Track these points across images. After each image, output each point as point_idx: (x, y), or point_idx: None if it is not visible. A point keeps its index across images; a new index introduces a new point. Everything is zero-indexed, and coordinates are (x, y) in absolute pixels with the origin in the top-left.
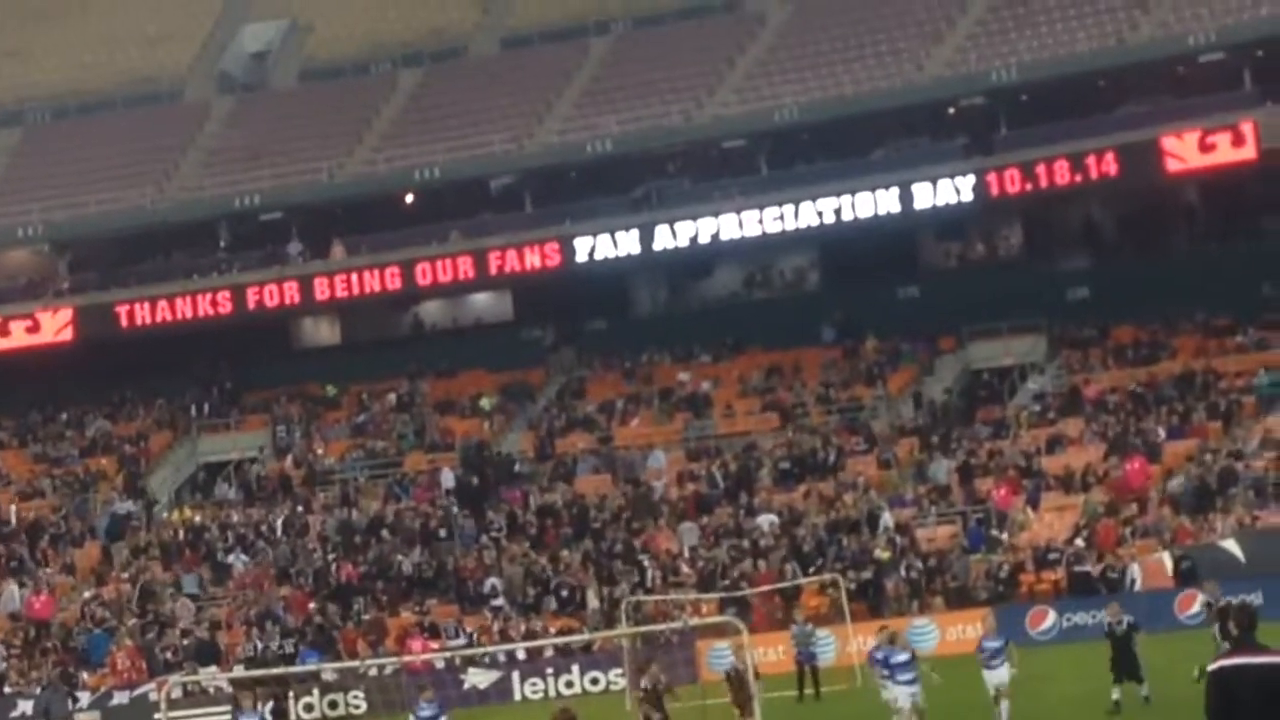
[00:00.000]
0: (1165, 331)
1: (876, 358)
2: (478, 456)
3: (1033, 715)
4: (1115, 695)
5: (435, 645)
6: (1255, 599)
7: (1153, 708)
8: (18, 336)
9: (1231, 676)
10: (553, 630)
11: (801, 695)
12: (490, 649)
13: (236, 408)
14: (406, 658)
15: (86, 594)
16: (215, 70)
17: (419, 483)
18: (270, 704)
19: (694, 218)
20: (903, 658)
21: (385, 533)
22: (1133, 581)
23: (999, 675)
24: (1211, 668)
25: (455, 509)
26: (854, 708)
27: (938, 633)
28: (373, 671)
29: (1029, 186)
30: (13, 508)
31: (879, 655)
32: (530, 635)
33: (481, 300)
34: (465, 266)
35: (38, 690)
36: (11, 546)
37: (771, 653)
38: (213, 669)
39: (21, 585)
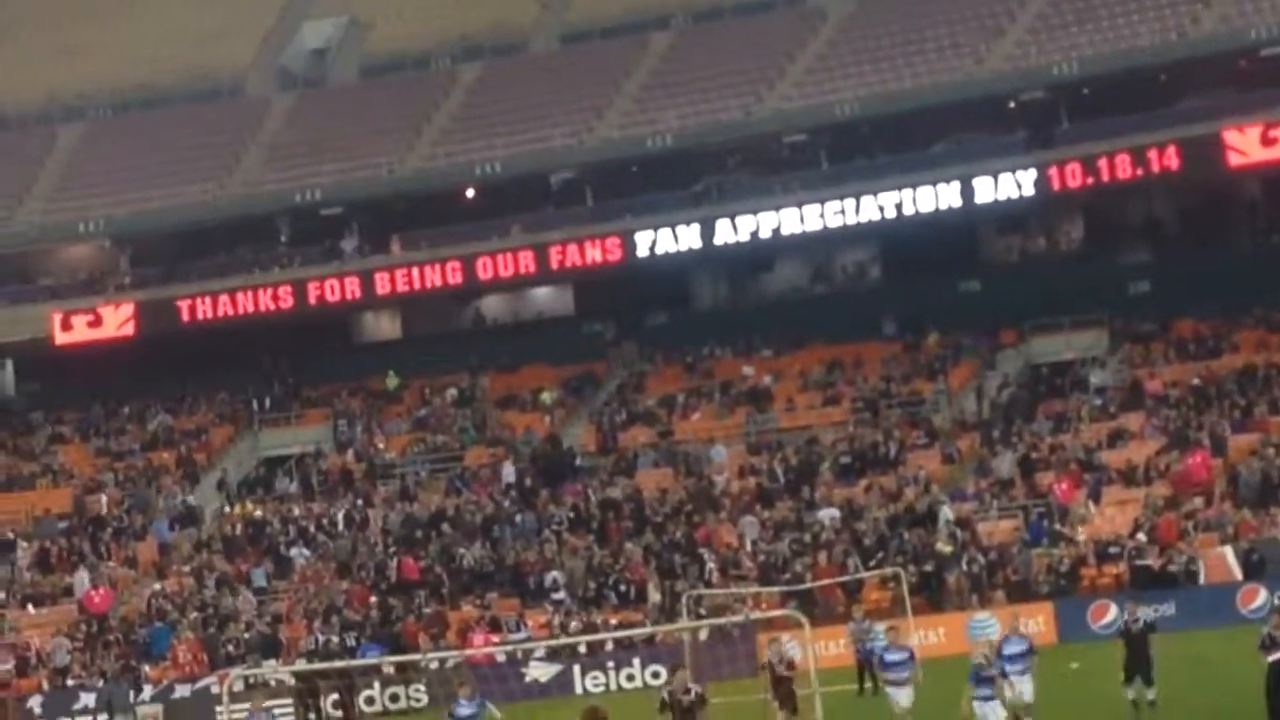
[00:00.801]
0: (1226, 326)
1: (937, 352)
2: (539, 451)
3: (1093, 712)
4: (1130, 695)
5: (496, 639)
6: None
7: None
8: (80, 331)
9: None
10: (613, 624)
11: (861, 689)
12: (551, 642)
13: (297, 402)
14: (468, 651)
15: (154, 587)
16: (275, 66)
17: (479, 477)
18: (333, 697)
19: (754, 212)
20: (898, 657)
21: (446, 527)
22: (1196, 575)
23: (1021, 688)
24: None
25: (516, 503)
26: (916, 702)
27: (998, 626)
28: (434, 665)
29: (1090, 180)
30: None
31: (870, 647)
32: (591, 629)
33: (542, 294)
34: (526, 261)
35: (100, 683)
36: (73, 540)
37: (833, 646)
38: (274, 662)
39: (92, 576)
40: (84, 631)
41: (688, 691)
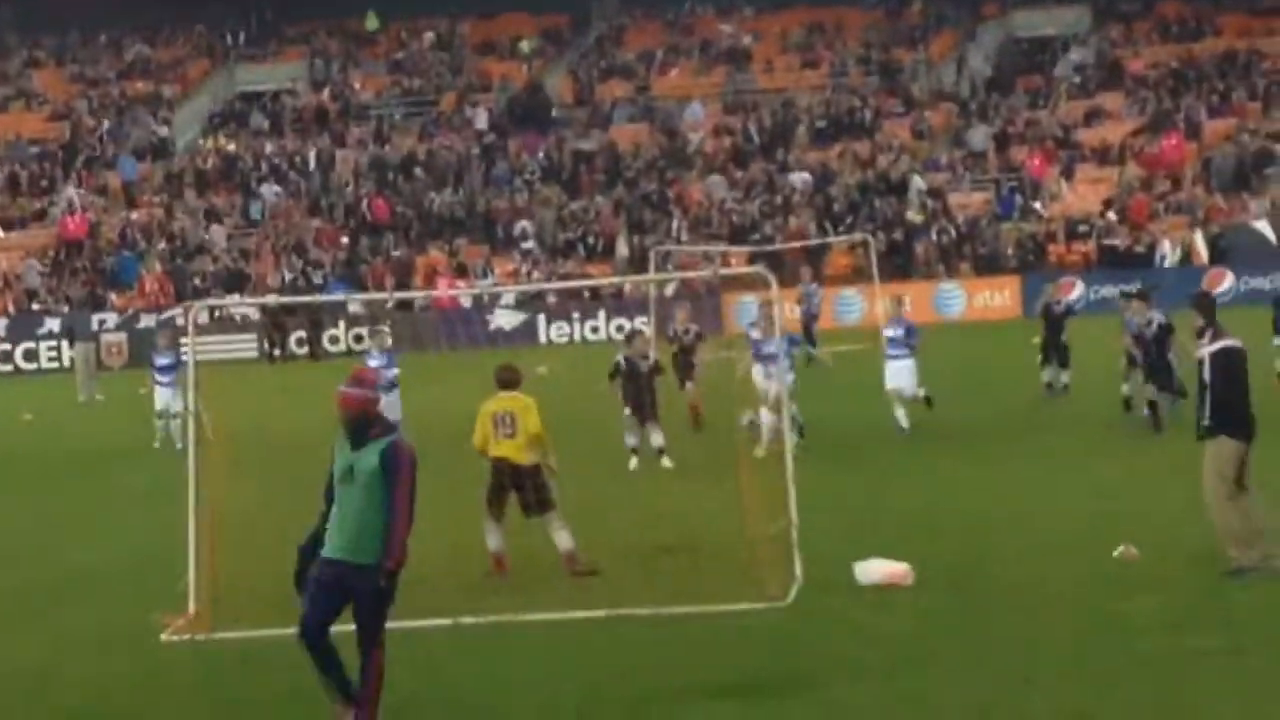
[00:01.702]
0: (1210, 8)
1: (919, 20)
2: (514, 100)
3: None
4: (1045, 378)
5: (463, 285)
6: None
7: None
8: None
9: (1236, 355)
10: (581, 276)
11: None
12: (519, 288)
13: (275, 38)
14: (434, 292)
15: (120, 216)
16: None
17: (453, 123)
18: (298, 334)
19: None
20: (770, 348)
21: (418, 171)
22: (1163, 257)
23: (899, 373)
24: (1214, 350)
25: (488, 151)
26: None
27: (965, 298)
28: (397, 306)
29: None
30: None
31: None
32: (559, 280)
33: None
34: None
35: (65, 309)
36: (44, 166)
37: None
38: (240, 296)
39: (53, 205)
40: (52, 257)
41: (645, 357)
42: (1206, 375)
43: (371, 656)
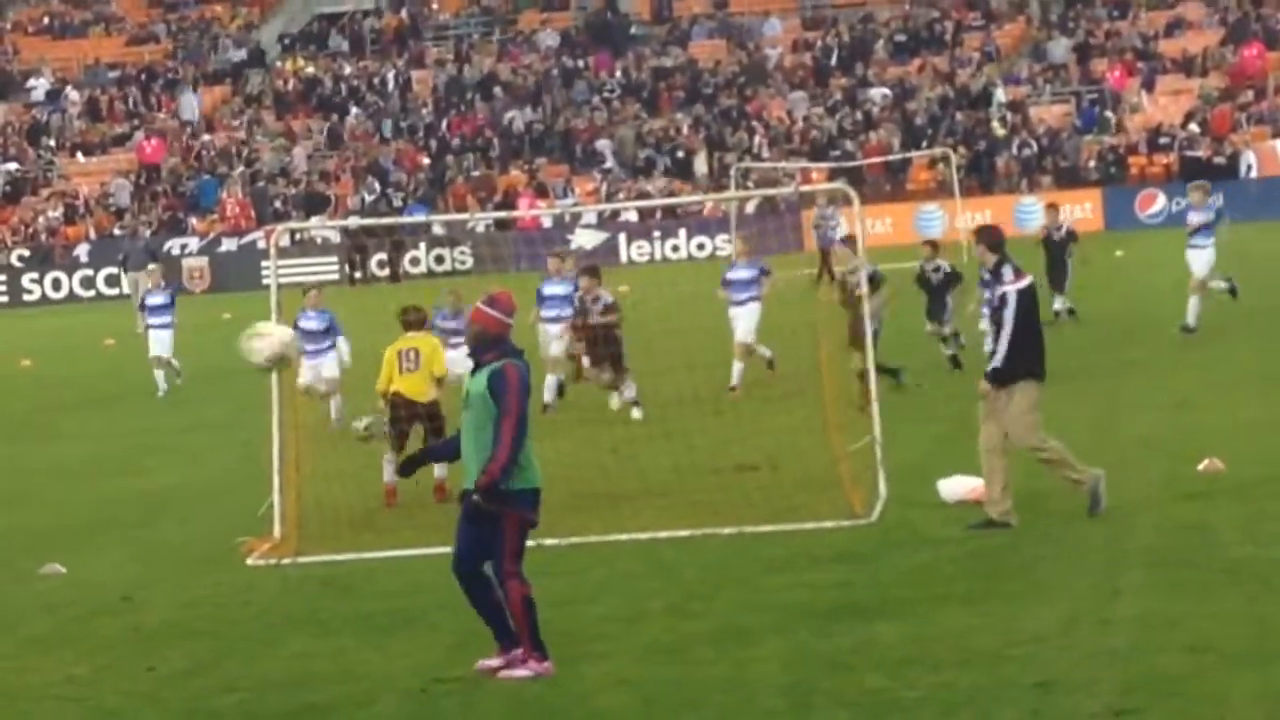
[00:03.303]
0: None
1: None
2: (593, 18)
3: (1141, 299)
4: (1056, 306)
5: (543, 204)
6: None
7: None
8: None
9: (1030, 295)
10: (660, 194)
11: (820, 277)
12: (599, 207)
13: None
14: (514, 213)
15: (203, 139)
16: None
17: (531, 41)
18: (378, 256)
19: None
20: (745, 275)
21: (497, 90)
22: (1248, 168)
23: (743, 319)
24: (1021, 287)
25: (567, 69)
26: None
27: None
28: (480, 227)
29: None
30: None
31: (727, 275)
32: (640, 198)
33: None
34: None
35: (147, 234)
36: (126, 90)
37: (879, 225)
38: (321, 219)
39: (135, 130)
40: (133, 182)
41: (595, 300)
42: (1009, 315)
43: (506, 589)
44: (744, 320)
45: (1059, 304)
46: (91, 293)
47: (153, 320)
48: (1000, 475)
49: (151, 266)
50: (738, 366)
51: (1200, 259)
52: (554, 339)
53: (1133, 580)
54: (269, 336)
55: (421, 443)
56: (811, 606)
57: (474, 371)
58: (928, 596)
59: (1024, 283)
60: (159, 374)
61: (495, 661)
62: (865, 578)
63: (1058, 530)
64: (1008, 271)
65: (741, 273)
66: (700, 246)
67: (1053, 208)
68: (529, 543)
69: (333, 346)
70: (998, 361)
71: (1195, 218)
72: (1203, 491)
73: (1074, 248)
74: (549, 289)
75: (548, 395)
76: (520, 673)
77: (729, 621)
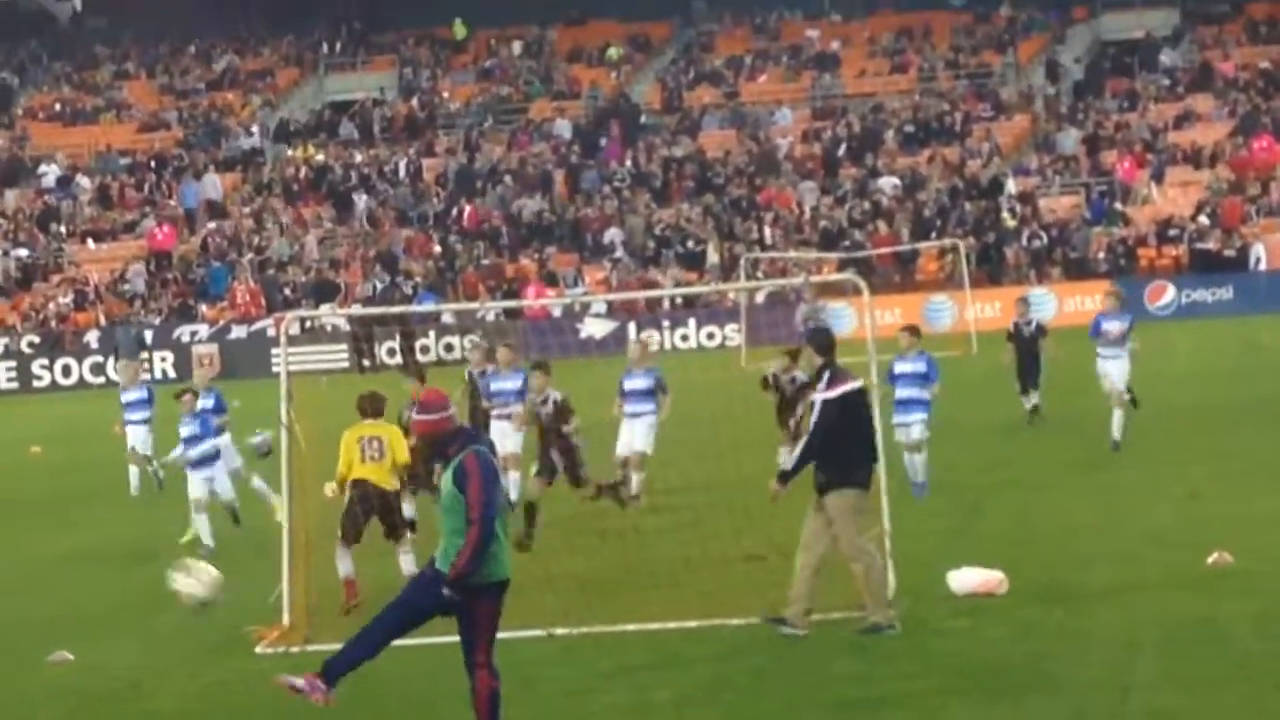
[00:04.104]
0: None
1: (1008, 24)
2: (603, 107)
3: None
4: (1028, 405)
5: (553, 293)
6: None
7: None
8: None
9: (849, 401)
10: (670, 284)
11: None
12: (609, 296)
13: (364, 47)
14: (524, 302)
15: (212, 226)
16: None
17: (542, 130)
18: (388, 344)
19: None
20: (641, 384)
21: (507, 179)
22: (1258, 260)
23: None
24: (835, 394)
25: (577, 158)
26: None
27: (1055, 303)
28: (490, 316)
29: None
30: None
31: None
32: (649, 287)
33: None
34: None
35: (156, 320)
36: (138, 177)
37: (888, 315)
38: (331, 306)
39: (145, 216)
40: (144, 269)
41: (544, 401)
42: (813, 422)
43: (474, 680)
44: (641, 431)
45: (1033, 400)
46: (101, 379)
47: (130, 416)
48: (806, 575)
49: (127, 361)
50: (636, 477)
51: (1117, 370)
52: (506, 435)
53: (1142, 676)
54: (194, 582)
55: (383, 537)
56: (820, 698)
57: (444, 470)
58: (937, 689)
59: (840, 390)
60: (134, 470)
61: None
62: (874, 669)
63: (1067, 622)
64: (826, 378)
65: (638, 382)
66: (710, 336)
67: (1022, 300)
68: (538, 632)
69: (218, 453)
70: (787, 465)
71: (1111, 326)
72: (1212, 585)
73: (1044, 342)
74: (497, 384)
75: (513, 494)
76: None
77: (737, 713)
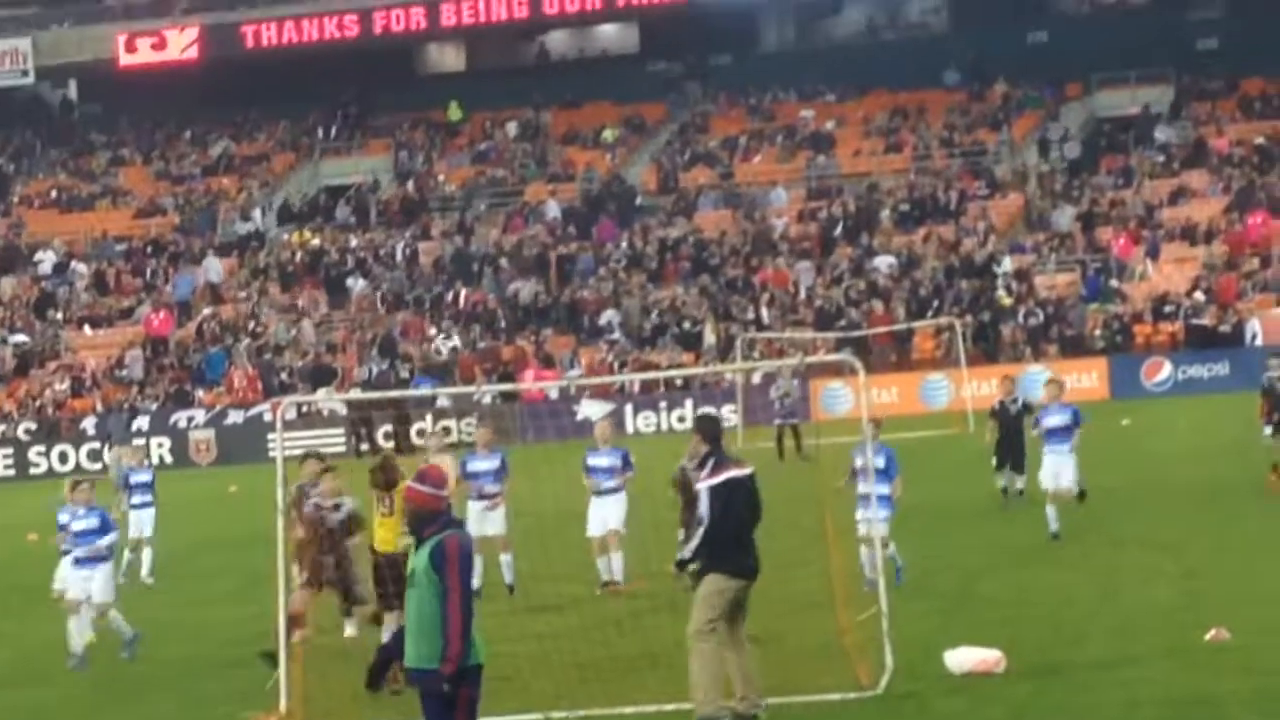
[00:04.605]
0: None
1: (1002, 102)
2: (599, 188)
3: (1149, 465)
4: (1001, 483)
5: (550, 375)
6: None
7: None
8: (144, 53)
9: (727, 489)
10: (666, 364)
11: (781, 454)
12: (605, 379)
13: (359, 131)
14: (520, 386)
15: (209, 312)
16: None
17: (537, 212)
18: (385, 428)
19: None
20: (606, 462)
21: (503, 261)
22: (1254, 336)
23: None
24: (713, 482)
25: (573, 240)
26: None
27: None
28: (487, 399)
29: None
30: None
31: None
32: (645, 369)
33: (608, 31)
34: None
35: (153, 406)
36: (134, 263)
37: (885, 394)
38: (327, 391)
39: (140, 303)
40: (141, 354)
41: (336, 508)
42: (703, 509)
43: None
44: (614, 509)
45: (1018, 482)
46: (98, 465)
47: (136, 500)
48: (714, 667)
49: (136, 443)
50: (617, 556)
51: (1067, 470)
52: (485, 517)
53: None
54: None
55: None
56: None
57: (417, 547)
58: None
59: (722, 476)
60: (143, 554)
61: None
62: None
63: (1066, 701)
64: (710, 465)
65: (603, 460)
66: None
67: (1007, 379)
68: (536, 716)
69: (109, 554)
70: (684, 552)
71: (1053, 420)
72: (1210, 662)
73: (1030, 420)
74: (474, 464)
75: (476, 581)
76: None
77: None
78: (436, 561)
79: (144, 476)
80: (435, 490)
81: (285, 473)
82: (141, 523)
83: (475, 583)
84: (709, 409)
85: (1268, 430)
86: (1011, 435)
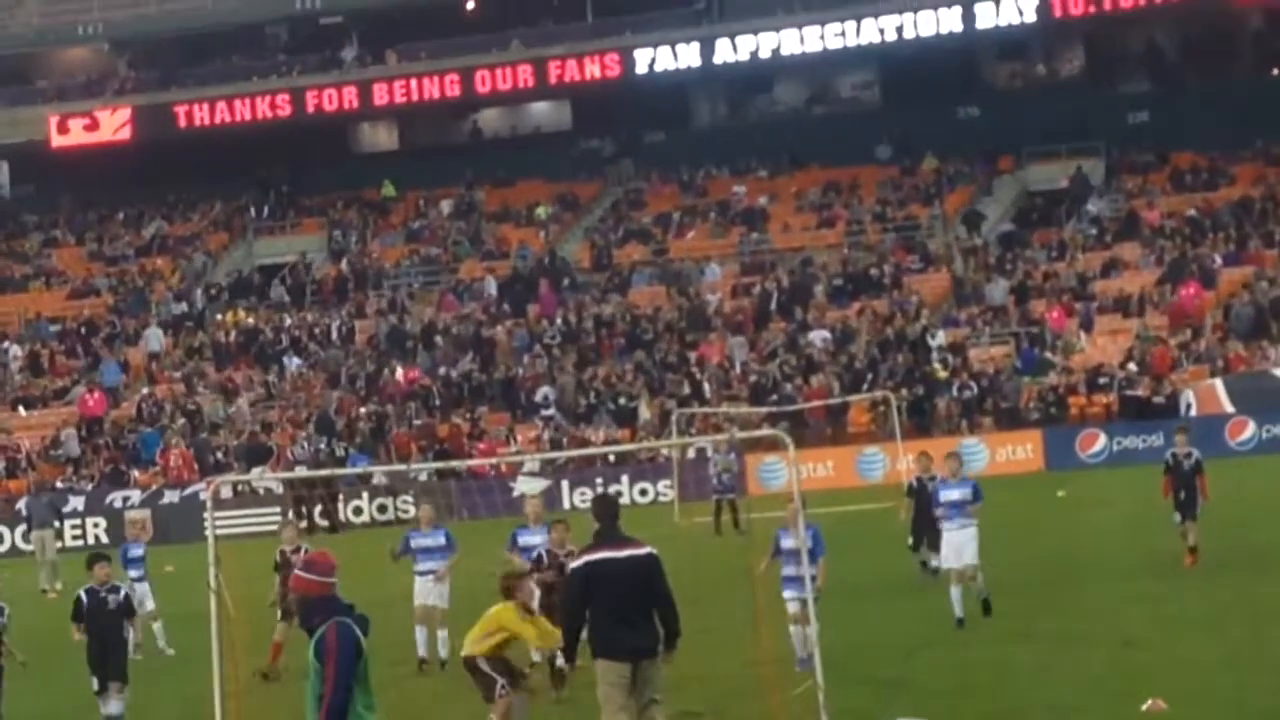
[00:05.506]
0: (1225, 158)
1: (934, 177)
2: (533, 266)
3: (1085, 537)
4: (921, 558)
5: (487, 452)
6: None
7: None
8: (76, 134)
9: (595, 571)
10: (602, 441)
11: (719, 528)
12: (540, 455)
13: (293, 210)
14: (455, 463)
15: (144, 392)
16: None
17: (472, 290)
18: (319, 507)
19: (755, 32)
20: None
21: (438, 339)
22: (1188, 406)
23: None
24: (577, 564)
25: (507, 318)
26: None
27: (987, 454)
28: (423, 476)
29: (1092, 8)
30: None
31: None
32: (581, 445)
33: (540, 109)
34: (525, 75)
35: (89, 486)
36: (68, 344)
37: (820, 468)
38: (262, 470)
39: (75, 384)
40: (76, 434)
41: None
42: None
43: None
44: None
45: (933, 560)
46: (32, 546)
47: (134, 573)
48: None
49: (139, 514)
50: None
51: (969, 544)
52: (429, 591)
53: None
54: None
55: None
56: None
57: (309, 636)
58: None
59: (584, 559)
60: (153, 627)
61: None
62: None
63: None
64: (588, 545)
65: (535, 539)
66: (643, 492)
67: (924, 455)
68: None
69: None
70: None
71: (951, 494)
72: None
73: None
74: (418, 541)
75: (421, 650)
76: None
77: None
78: (319, 651)
79: (138, 551)
80: (322, 578)
81: (217, 552)
82: (141, 597)
83: (420, 652)
84: (607, 490)
85: (1176, 517)
86: (928, 512)
